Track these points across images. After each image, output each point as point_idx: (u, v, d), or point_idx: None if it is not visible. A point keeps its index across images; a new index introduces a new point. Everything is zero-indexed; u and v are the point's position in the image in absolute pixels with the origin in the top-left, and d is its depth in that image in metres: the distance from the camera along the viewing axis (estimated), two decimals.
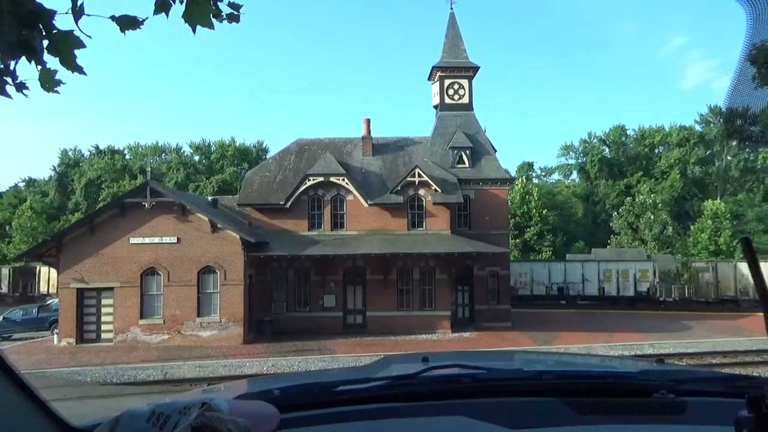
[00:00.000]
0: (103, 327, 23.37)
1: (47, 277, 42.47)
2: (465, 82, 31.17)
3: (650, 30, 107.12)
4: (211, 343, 22.64)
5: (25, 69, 1.57)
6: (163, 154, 71.78)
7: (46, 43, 1.58)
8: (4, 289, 44.74)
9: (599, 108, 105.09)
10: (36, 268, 43.09)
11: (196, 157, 71.05)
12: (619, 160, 66.84)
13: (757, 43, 1.24)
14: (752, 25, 1.17)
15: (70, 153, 71.67)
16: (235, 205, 28.13)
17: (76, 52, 1.63)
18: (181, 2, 1.77)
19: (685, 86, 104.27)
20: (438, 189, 26.25)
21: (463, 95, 31.07)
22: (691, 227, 52.83)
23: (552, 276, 37.24)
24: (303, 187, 26.40)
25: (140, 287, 23.26)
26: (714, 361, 18.11)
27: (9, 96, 1.60)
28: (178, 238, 23.44)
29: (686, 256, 45.56)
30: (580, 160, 70.62)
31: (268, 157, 52.73)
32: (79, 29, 1.59)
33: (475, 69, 31.24)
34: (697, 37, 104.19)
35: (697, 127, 65.87)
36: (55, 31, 1.57)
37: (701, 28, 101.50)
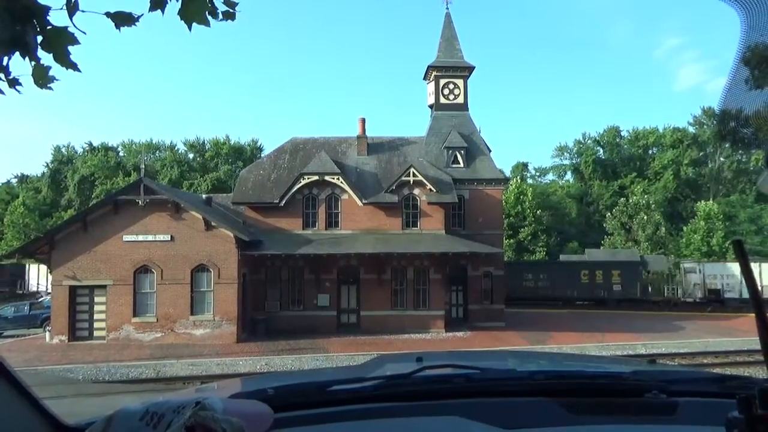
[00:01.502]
0: (96, 324, 23.29)
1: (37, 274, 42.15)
2: (460, 82, 31.21)
3: (644, 31, 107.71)
4: (204, 342, 22.58)
5: (19, 65, 1.56)
6: (157, 152, 71.36)
7: (39, 39, 1.57)
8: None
9: (594, 109, 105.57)
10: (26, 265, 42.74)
11: (191, 155, 70.68)
12: (613, 161, 67.12)
13: (752, 45, 1.24)
14: (746, 29, 1.18)
15: (63, 149, 71.11)
16: (229, 204, 28.04)
17: (70, 48, 1.62)
18: None
19: (678, 87, 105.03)
20: (433, 189, 26.26)
21: (459, 95, 31.11)
22: (684, 228, 53.09)
23: (764, 277, 33.11)
24: (297, 186, 26.36)
25: (133, 285, 23.18)
26: (705, 361, 18.24)
27: (2, 92, 1.58)
28: (171, 236, 23.37)
29: (679, 257, 45.79)
30: (574, 161, 70.84)
31: (262, 155, 52.53)
32: (74, 25, 1.58)
33: (471, 69, 31.28)
34: (691, 39, 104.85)
35: (691, 129, 66.26)
36: (49, 27, 1.56)
37: (695, 30, 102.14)
